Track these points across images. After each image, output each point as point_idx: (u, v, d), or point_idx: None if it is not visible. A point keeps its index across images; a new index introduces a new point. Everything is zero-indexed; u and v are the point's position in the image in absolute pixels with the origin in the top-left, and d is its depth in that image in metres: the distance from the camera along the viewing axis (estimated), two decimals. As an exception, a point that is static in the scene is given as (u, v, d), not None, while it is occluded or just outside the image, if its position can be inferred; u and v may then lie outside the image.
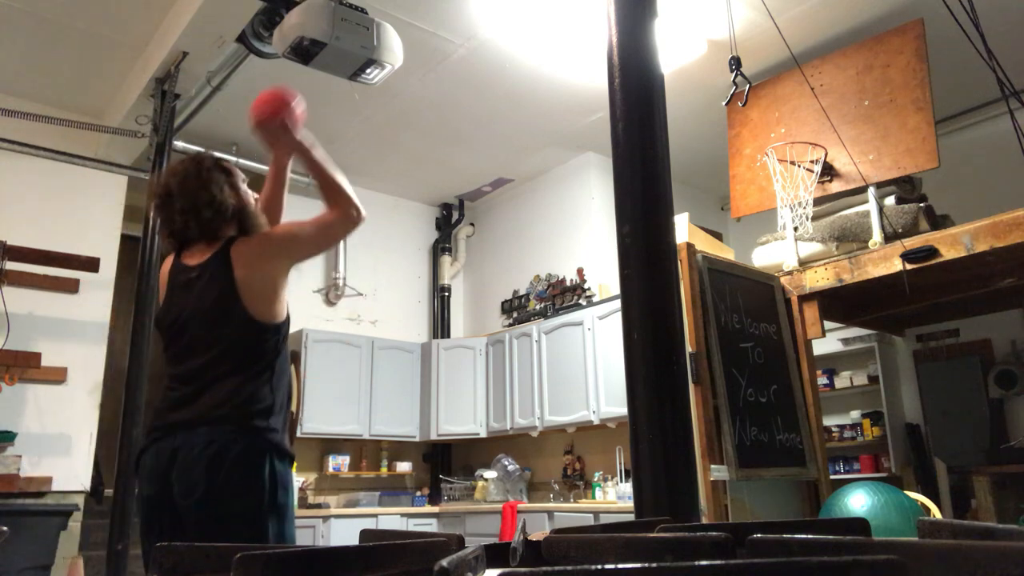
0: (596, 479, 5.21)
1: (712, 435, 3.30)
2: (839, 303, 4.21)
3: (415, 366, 6.24)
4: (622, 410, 4.70)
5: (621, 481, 4.97)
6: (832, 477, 4.52)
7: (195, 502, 1.73)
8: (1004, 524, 0.65)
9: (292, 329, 2.10)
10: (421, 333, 6.66)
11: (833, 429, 5.51)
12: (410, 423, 6.08)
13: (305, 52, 3.15)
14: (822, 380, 5.51)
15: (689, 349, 3.32)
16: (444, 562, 0.55)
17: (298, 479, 5.47)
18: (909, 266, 3.55)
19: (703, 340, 3.44)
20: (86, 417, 4.56)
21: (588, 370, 5.19)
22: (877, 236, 3.74)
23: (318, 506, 5.46)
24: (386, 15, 3.75)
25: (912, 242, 3.59)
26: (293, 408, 5.28)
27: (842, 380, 5.63)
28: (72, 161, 4.48)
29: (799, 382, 3.85)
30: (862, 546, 0.55)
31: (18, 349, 4.34)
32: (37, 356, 4.39)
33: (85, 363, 4.62)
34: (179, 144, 4.79)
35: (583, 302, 5.54)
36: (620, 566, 0.48)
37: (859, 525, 0.74)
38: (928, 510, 2.85)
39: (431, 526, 5.74)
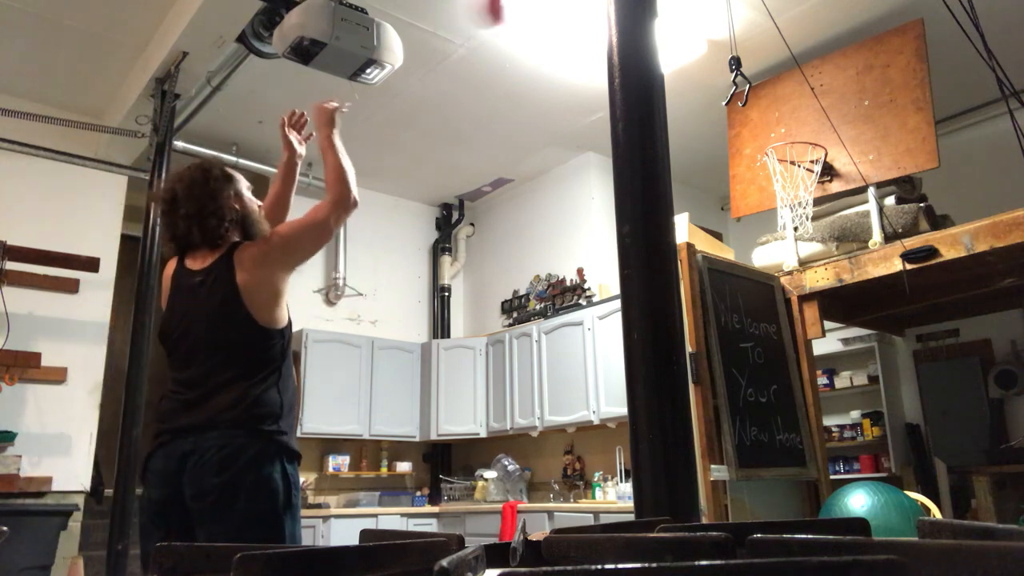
0: (596, 479, 5.21)
1: (712, 435, 3.30)
2: (839, 303, 4.21)
3: (415, 366, 6.24)
4: (622, 410, 4.70)
5: (621, 481, 4.97)
6: (832, 477, 4.52)
7: (210, 505, 1.75)
8: (1004, 524, 0.65)
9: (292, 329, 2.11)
10: (421, 333, 6.66)
11: (833, 429, 5.51)
12: (410, 423, 6.08)
13: (305, 52, 3.15)
14: (822, 380, 5.51)
15: (689, 349, 3.32)
16: (444, 562, 0.55)
17: (298, 479, 5.46)
18: (909, 266, 3.55)
19: (703, 340, 3.44)
20: (86, 417, 4.56)
21: (588, 370, 5.19)
22: (877, 236, 3.74)
23: (318, 506, 5.46)
24: (386, 15, 3.75)
25: (912, 242, 3.59)
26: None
27: (842, 380, 5.63)
28: (72, 161, 4.48)
29: (799, 382, 3.85)
30: (862, 546, 0.55)
31: (18, 349, 4.34)
32: (37, 356, 4.39)
33: (85, 363, 4.62)
34: (179, 144, 4.79)
35: (583, 302, 5.54)
36: (620, 566, 0.48)
37: (859, 525, 0.74)
38: (928, 510, 2.85)
39: (431, 526, 5.74)
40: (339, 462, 5.82)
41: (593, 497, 5.16)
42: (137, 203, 4.96)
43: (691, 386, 3.27)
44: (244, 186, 2.08)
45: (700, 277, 3.56)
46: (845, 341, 5.56)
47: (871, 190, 3.84)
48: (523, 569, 0.69)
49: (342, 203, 2.01)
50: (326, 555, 0.64)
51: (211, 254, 1.96)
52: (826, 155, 4.05)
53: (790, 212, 3.95)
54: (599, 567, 0.48)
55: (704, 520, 2.92)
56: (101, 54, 4.32)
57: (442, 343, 6.30)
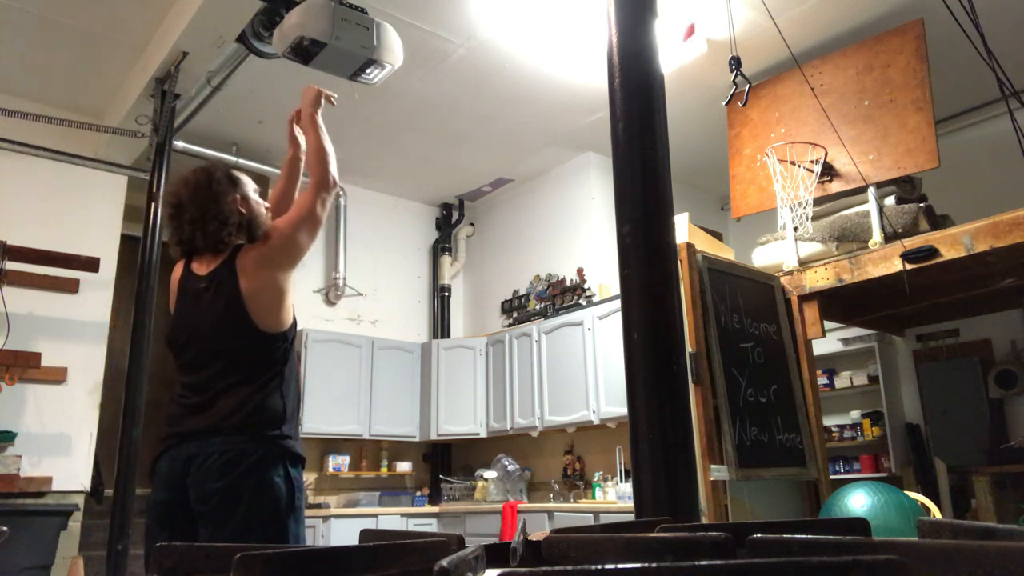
0: (596, 479, 5.21)
1: (712, 435, 3.30)
2: (839, 303, 4.21)
3: (415, 366, 6.24)
4: (622, 410, 4.70)
5: (621, 481, 4.97)
6: (832, 477, 4.52)
7: (213, 509, 1.77)
8: (1004, 524, 0.65)
9: (292, 329, 2.11)
10: (421, 333, 6.66)
11: (833, 429, 5.51)
12: (410, 423, 6.09)
13: (305, 52, 3.15)
14: (822, 380, 5.51)
15: (689, 349, 3.32)
16: (444, 562, 0.55)
17: (298, 479, 5.46)
18: (909, 266, 3.55)
19: (703, 340, 3.44)
20: (86, 417, 4.56)
21: (588, 370, 5.19)
22: (877, 236, 3.74)
23: (318, 506, 5.46)
24: (386, 15, 3.75)
25: (912, 242, 3.59)
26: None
27: (842, 380, 5.63)
28: (72, 161, 4.48)
29: (799, 382, 3.85)
30: (862, 546, 0.55)
31: (18, 349, 4.34)
32: (37, 356, 4.39)
33: (85, 363, 4.62)
34: (179, 144, 4.79)
35: (583, 302, 5.54)
36: (620, 566, 0.48)
37: (859, 525, 0.74)
38: (928, 510, 2.85)
39: (431, 526, 5.74)
40: (339, 462, 5.82)
41: (593, 497, 5.16)
42: (137, 203, 4.95)
43: (691, 386, 3.27)
44: (251, 189, 2.08)
45: (700, 277, 3.56)
46: (845, 341, 5.56)
47: (871, 190, 3.84)
48: (523, 569, 0.68)
49: (323, 184, 2.03)
50: (326, 555, 0.64)
51: (215, 259, 1.97)
52: (826, 155, 4.05)
53: (790, 212, 3.95)
54: (599, 567, 0.48)
55: (704, 520, 2.92)
56: (101, 54, 4.32)
57: (442, 343, 6.30)
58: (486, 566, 0.66)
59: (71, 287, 4.63)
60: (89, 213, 4.84)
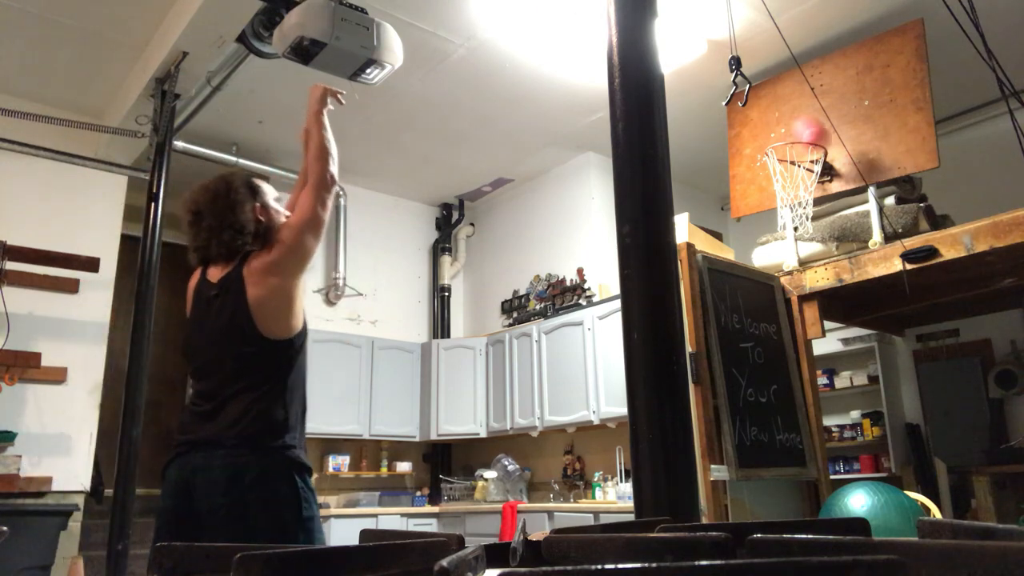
0: (596, 479, 5.21)
1: (712, 435, 3.30)
2: (839, 303, 4.21)
3: (415, 366, 6.24)
4: (622, 410, 4.70)
5: (621, 481, 4.97)
6: (832, 477, 4.52)
7: (220, 521, 1.76)
8: (1004, 524, 0.65)
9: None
10: (421, 333, 6.66)
11: (833, 429, 5.51)
12: (410, 423, 6.09)
13: (305, 52, 3.15)
14: (822, 380, 5.51)
15: (689, 349, 3.32)
16: (444, 562, 0.55)
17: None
18: (909, 266, 3.55)
19: (703, 340, 3.44)
20: (86, 417, 4.56)
21: (588, 370, 5.19)
22: (877, 236, 3.74)
23: (318, 506, 5.45)
24: (386, 15, 3.75)
25: (912, 242, 3.59)
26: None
27: (842, 380, 5.63)
28: (72, 161, 4.47)
29: (799, 382, 3.85)
30: (862, 546, 0.55)
31: (18, 349, 4.34)
32: (37, 356, 4.39)
33: (85, 363, 4.62)
34: (179, 144, 4.79)
35: (583, 302, 5.54)
36: (620, 566, 0.48)
37: (859, 525, 0.74)
38: (928, 510, 2.84)
39: (431, 526, 5.74)
40: (339, 462, 5.82)
41: (593, 497, 5.16)
42: (137, 203, 4.95)
43: (691, 386, 3.27)
44: (271, 197, 2.08)
45: (700, 277, 3.56)
46: (845, 341, 5.56)
47: (871, 190, 3.84)
48: (523, 569, 0.68)
49: (322, 183, 2.02)
50: (326, 555, 0.64)
51: (227, 266, 1.98)
52: (826, 155, 4.05)
53: (790, 212, 3.95)
54: (599, 567, 0.48)
55: (704, 520, 2.92)
56: (101, 54, 4.32)
57: (442, 343, 6.31)
58: (486, 566, 0.66)
59: (71, 287, 4.63)
60: (89, 213, 4.84)
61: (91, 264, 4.59)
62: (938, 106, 3.97)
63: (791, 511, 3.66)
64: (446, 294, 6.78)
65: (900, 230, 3.69)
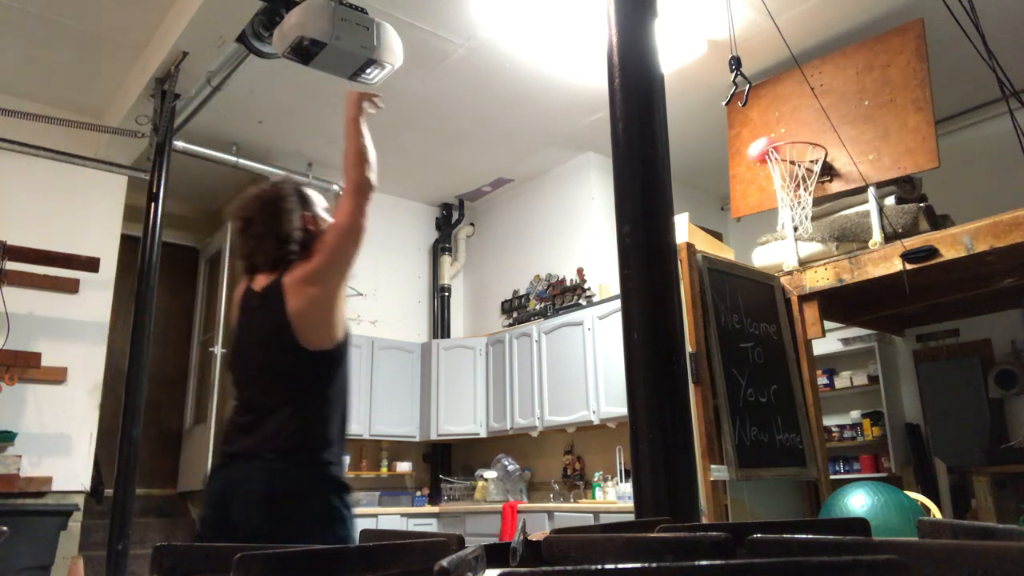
0: (596, 479, 5.21)
1: (712, 435, 3.30)
2: (839, 303, 4.21)
3: (415, 366, 6.24)
4: (622, 410, 4.70)
5: (621, 481, 4.97)
6: (832, 477, 4.52)
7: (255, 535, 1.73)
8: (1004, 524, 0.65)
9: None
10: (421, 333, 6.66)
11: (833, 429, 5.51)
12: (410, 423, 6.08)
13: (305, 52, 3.15)
14: (822, 380, 5.51)
15: (689, 349, 3.32)
16: (444, 562, 0.55)
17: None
18: (909, 266, 3.55)
19: (703, 340, 3.44)
20: (86, 417, 4.56)
21: (588, 370, 5.19)
22: (877, 236, 3.74)
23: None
24: (386, 15, 3.75)
25: (912, 242, 3.59)
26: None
27: (842, 380, 5.63)
28: (72, 161, 4.48)
29: (799, 382, 3.85)
30: (862, 546, 0.55)
31: (18, 349, 4.34)
32: (37, 356, 4.39)
33: (85, 363, 4.62)
34: (179, 144, 4.79)
35: (583, 302, 5.54)
36: (620, 566, 0.48)
37: (859, 525, 0.74)
38: (928, 510, 2.84)
39: (431, 526, 5.74)
40: (339, 462, 5.81)
41: (593, 497, 5.16)
42: (137, 203, 4.95)
43: (691, 386, 3.27)
44: (320, 207, 2.06)
45: (700, 277, 3.56)
46: (845, 341, 5.56)
47: (871, 190, 3.84)
48: (523, 569, 0.68)
49: (358, 189, 1.96)
50: (326, 555, 0.64)
51: (271, 275, 1.96)
52: (826, 155, 4.05)
53: (790, 212, 3.95)
54: (599, 567, 0.48)
55: (704, 520, 2.92)
56: (101, 54, 4.32)
57: (442, 343, 6.30)
58: (486, 566, 0.66)
59: (71, 287, 4.63)
60: (89, 213, 4.84)
61: (91, 264, 4.59)
62: (938, 106, 3.97)
63: (791, 511, 3.66)
64: (446, 294, 6.78)
65: (900, 230, 3.69)
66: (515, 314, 6.25)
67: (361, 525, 1.38)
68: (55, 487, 4.33)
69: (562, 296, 5.82)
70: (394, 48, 3.29)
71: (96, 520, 4.64)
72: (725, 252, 4.00)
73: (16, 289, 4.41)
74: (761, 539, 0.59)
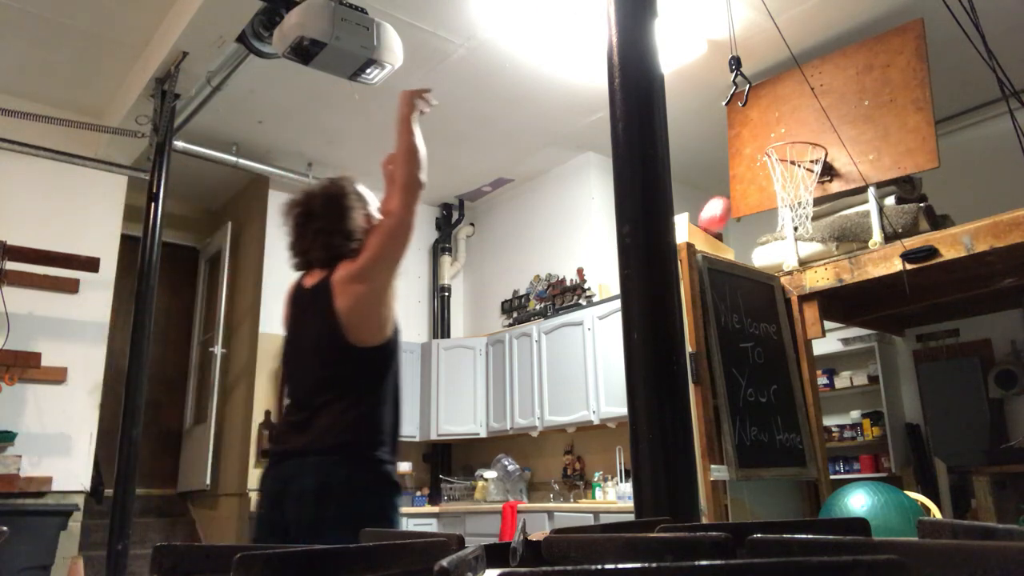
0: (596, 479, 5.21)
1: (712, 435, 3.30)
2: (839, 303, 4.21)
3: (415, 366, 6.23)
4: (622, 410, 4.70)
5: (621, 481, 4.97)
6: (832, 477, 4.52)
7: (305, 531, 1.75)
8: (1004, 524, 0.65)
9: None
10: (421, 333, 6.66)
11: (833, 429, 5.51)
12: (410, 423, 6.08)
13: (305, 52, 3.15)
14: (822, 380, 5.51)
15: (689, 349, 3.32)
16: (444, 562, 0.55)
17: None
18: (909, 266, 3.55)
19: (703, 340, 3.44)
20: (86, 417, 4.56)
21: (588, 370, 5.19)
22: (877, 236, 3.74)
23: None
24: (386, 15, 3.75)
25: (912, 242, 3.59)
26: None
27: (842, 380, 5.63)
28: (72, 161, 4.48)
29: (799, 382, 3.85)
30: (862, 546, 0.55)
31: (18, 349, 4.34)
32: (37, 356, 4.39)
33: (85, 363, 4.62)
34: (179, 144, 4.79)
35: (583, 302, 5.54)
36: (620, 566, 0.48)
37: (859, 525, 0.74)
38: (928, 510, 2.85)
39: (431, 526, 5.74)
40: (339, 462, 5.82)
41: (593, 497, 5.16)
42: (137, 203, 4.95)
43: (691, 386, 3.28)
44: (374, 207, 2.08)
45: (700, 277, 3.56)
46: (845, 341, 5.56)
47: (871, 190, 3.84)
48: (523, 569, 0.68)
49: (408, 187, 1.96)
50: (326, 555, 0.64)
51: (322, 273, 1.96)
52: (826, 155, 4.05)
53: (790, 212, 3.95)
54: (599, 567, 0.48)
55: (704, 520, 2.92)
56: (101, 54, 4.32)
57: (442, 343, 6.30)
58: (486, 566, 0.66)
59: (71, 287, 4.63)
60: (89, 213, 4.84)
61: (91, 264, 4.59)
62: (938, 106, 3.97)
63: (791, 511, 3.66)
64: (446, 294, 6.78)
65: (900, 230, 3.69)
66: (515, 314, 6.25)
67: (361, 525, 1.38)
68: (55, 487, 4.34)
69: (562, 296, 5.82)
70: (394, 48, 3.30)
71: (96, 520, 4.64)
72: (725, 252, 4.00)
73: (16, 289, 4.41)
74: (761, 539, 0.59)
